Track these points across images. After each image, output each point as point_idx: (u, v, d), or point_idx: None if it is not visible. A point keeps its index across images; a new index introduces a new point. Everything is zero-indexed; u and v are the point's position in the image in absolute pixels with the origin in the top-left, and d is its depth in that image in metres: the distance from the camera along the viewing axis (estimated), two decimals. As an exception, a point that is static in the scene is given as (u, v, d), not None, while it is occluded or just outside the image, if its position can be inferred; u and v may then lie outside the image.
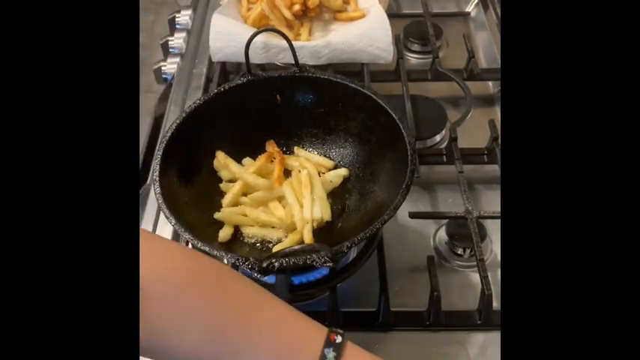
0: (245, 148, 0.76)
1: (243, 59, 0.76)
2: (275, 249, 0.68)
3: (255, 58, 0.91)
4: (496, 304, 0.67)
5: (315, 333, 0.48)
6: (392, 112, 0.70)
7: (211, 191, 0.73)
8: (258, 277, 0.64)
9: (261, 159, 0.73)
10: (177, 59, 1.02)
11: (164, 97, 0.97)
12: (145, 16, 2.46)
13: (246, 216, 0.70)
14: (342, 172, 0.75)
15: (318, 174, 0.73)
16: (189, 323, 0.46)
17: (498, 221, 0.75)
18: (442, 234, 0.76)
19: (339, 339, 0.47)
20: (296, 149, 0.78)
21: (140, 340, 0.41)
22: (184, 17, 1.10)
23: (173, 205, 0.64)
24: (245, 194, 0.72)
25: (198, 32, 1.07)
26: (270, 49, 0.91)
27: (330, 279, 0.66)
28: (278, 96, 0.77)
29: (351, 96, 0.74)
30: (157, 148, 0.68)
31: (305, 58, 0.91)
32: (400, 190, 0.62)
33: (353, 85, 0.74)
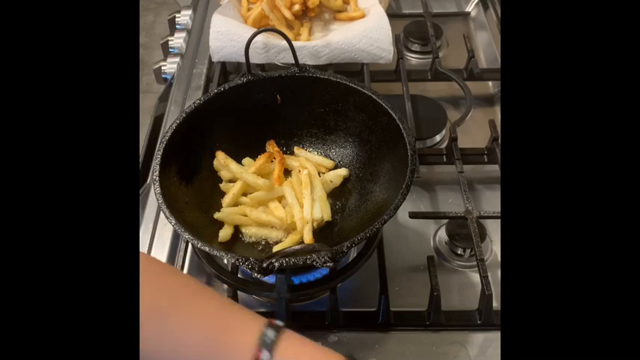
0: (245, 148, 0.76)
1: (243, 59, 0.76)
2: (275, 249, 0.68)
3: (255, 58, 0.91)
4: (496, 304, 0.67)
5: (256, 318, 0.49)
6: (392, 112, 0.70)
7: (211, 191, 0.73)
8: (259, 277, 0.64)
9: (261, 159, 0.73)
10: (177, 59, 1.02)
11: (164, 97, 0.97)
12: (144, 16, 2.46)
13: (246, 216, 0.70)
14: (342, 172, 0.75)
15: (318, 174, 0.73)
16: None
17: (498, 221, 0.75)
18: (442, 234, 0.76)
19: (280, 323, 0.48)
20: (296, 149, 0.78)
21: None
22: (184, 17, 1.10)
23: (173, 205, 0.64)
24: (245, 194, 0.72)
25: (198, 32, 1.07)
26: (270, 49, 0.91)
27: (330, 279, 0.66)
28: (278, 96, 0.77)
29: (351, 96, 0.74)
30: (157, 148, 0.68)
31: (305, 58, 0.91)
32: (400, 190, 0.62)
33: (353, 85, 0.74)
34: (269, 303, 0.69)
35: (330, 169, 0.76)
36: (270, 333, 0.47)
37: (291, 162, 0.74)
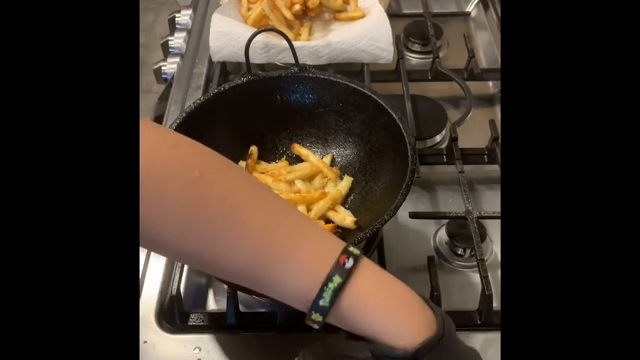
0: (245, 148, 0.76)
1: (243, 59, 0.76)
2: None
3: (255, 58, 0.91)
4: (496, 304, 0.67)
5: (330, 238, 0.47)
6: (392, 112, 0.70)
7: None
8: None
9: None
10: (177, 59, 1.02)
11: (164, 97, 0.97)
12: (145, 16, 2.46)
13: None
14: (347, 182, 0.75)
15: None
16: (168, 218, 0.44)
17: (498, 221, 0.75)
18: (442, 234, 0.76)
19: (356, 251, 0.47)
20: (296, 146, 0.77)
21: None
22: (184, 17, 1.10)
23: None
24: None
25: (198, 32, 1.07)
26: (270, 49, 0.91)
27: (330, 279, 0.66)
28: (278, 96, 0.77)
29: (351, 96, 0.74)
30: (157, 148, 0.68)
31: (305, 58, 0.91)
32: (400, 190, 0.62)
33: (353, 85, 0.74)
34: (269, 303, 0.69)
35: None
36: (353, 248, 0.46)
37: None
